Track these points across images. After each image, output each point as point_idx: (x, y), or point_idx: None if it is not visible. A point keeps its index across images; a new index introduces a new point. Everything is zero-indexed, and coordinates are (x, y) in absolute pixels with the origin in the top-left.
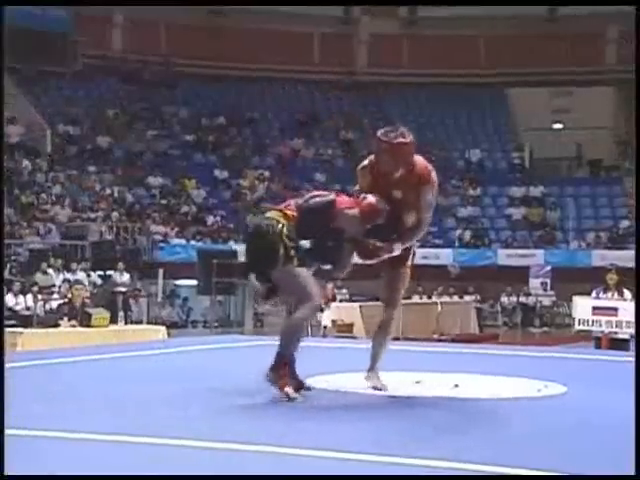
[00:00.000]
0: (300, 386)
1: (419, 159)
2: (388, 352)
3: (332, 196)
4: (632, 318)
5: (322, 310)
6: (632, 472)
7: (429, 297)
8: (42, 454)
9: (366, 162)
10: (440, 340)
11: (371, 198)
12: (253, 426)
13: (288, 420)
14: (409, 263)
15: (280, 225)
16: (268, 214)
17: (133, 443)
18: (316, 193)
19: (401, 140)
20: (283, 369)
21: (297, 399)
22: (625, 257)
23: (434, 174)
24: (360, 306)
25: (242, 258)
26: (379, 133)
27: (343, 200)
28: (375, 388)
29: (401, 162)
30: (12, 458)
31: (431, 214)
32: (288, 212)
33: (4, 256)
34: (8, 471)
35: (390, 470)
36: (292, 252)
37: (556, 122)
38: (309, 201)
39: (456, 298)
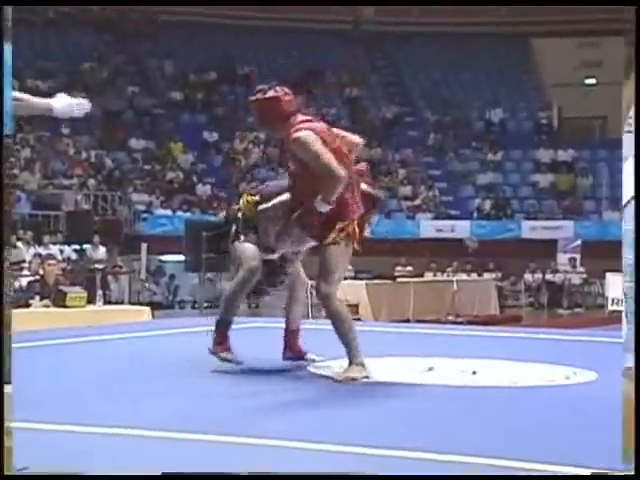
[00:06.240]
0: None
1: (297, 118)
2: (398, 335)
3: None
4: None
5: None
6: None
7: (443, 274)
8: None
9: None
10: (456, 322)
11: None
12: (260, 419)
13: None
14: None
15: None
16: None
17: (105, 434)
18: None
19: (259, 96)
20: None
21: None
22: None
23: (304, 131)
24: (366, 284)
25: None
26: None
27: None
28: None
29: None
30: None
31: (324, 160)
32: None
33: (4, 245)
34: None
35: (397, 466)
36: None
37: (588, 77)
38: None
39: (474, 275)
